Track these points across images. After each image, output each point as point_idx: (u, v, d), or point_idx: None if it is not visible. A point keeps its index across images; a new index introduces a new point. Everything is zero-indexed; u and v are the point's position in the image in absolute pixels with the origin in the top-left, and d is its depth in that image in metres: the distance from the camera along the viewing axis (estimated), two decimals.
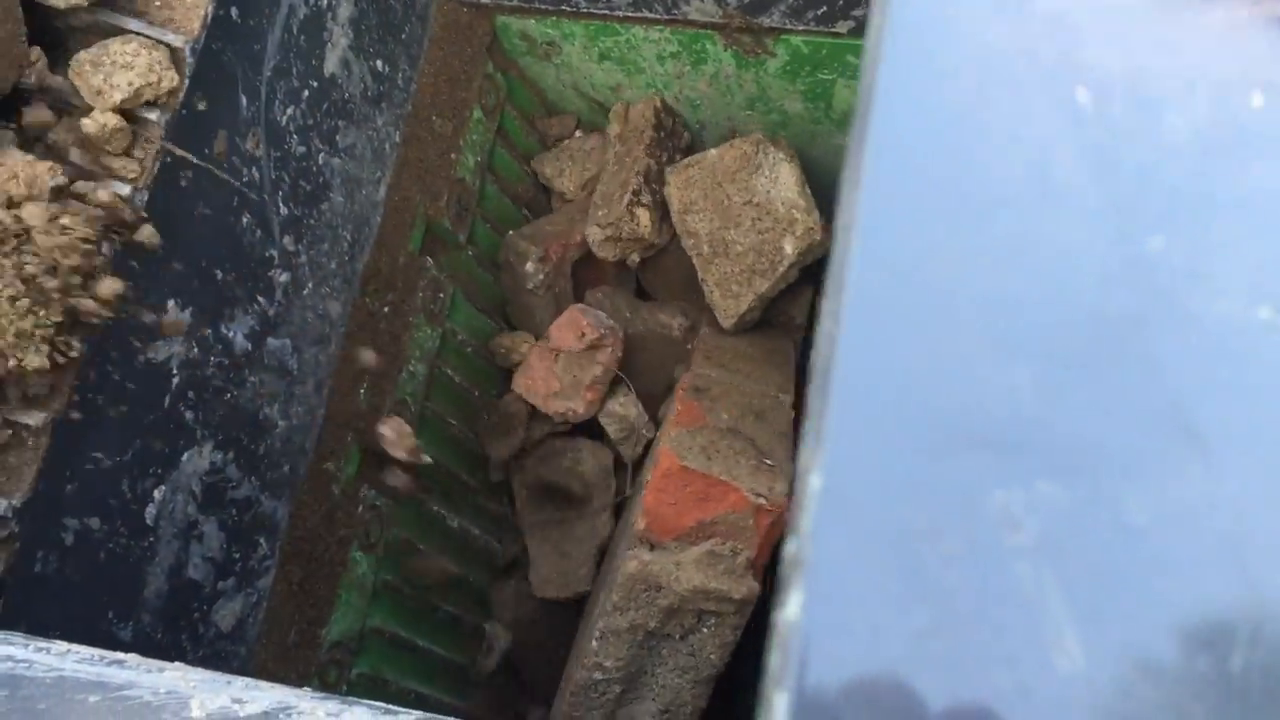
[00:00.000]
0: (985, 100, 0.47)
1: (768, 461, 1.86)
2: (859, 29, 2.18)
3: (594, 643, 1.90)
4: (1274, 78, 0.49)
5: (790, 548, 0.42)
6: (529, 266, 2.37)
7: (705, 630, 1.86)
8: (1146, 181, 0.47)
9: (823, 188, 2.48)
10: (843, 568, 0.41)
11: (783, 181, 2.26)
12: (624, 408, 2.31)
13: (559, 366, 2.26)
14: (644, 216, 2.34)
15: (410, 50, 2.14)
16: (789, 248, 2.24)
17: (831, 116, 2.35)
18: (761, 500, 1.78)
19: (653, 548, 1.84)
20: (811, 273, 2.35)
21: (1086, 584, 0.42)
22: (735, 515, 1.80)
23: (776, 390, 2.12)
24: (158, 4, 1.59)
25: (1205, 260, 0.46)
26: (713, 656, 1.87)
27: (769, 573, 1.85)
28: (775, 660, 0.40)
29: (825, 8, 2.12)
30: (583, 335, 2.21)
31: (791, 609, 0.40)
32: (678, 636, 1.87)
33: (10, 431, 1.41)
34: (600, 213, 2.37)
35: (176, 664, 1.08)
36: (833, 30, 2.17)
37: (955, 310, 0.44)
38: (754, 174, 2.26)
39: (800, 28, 2.19)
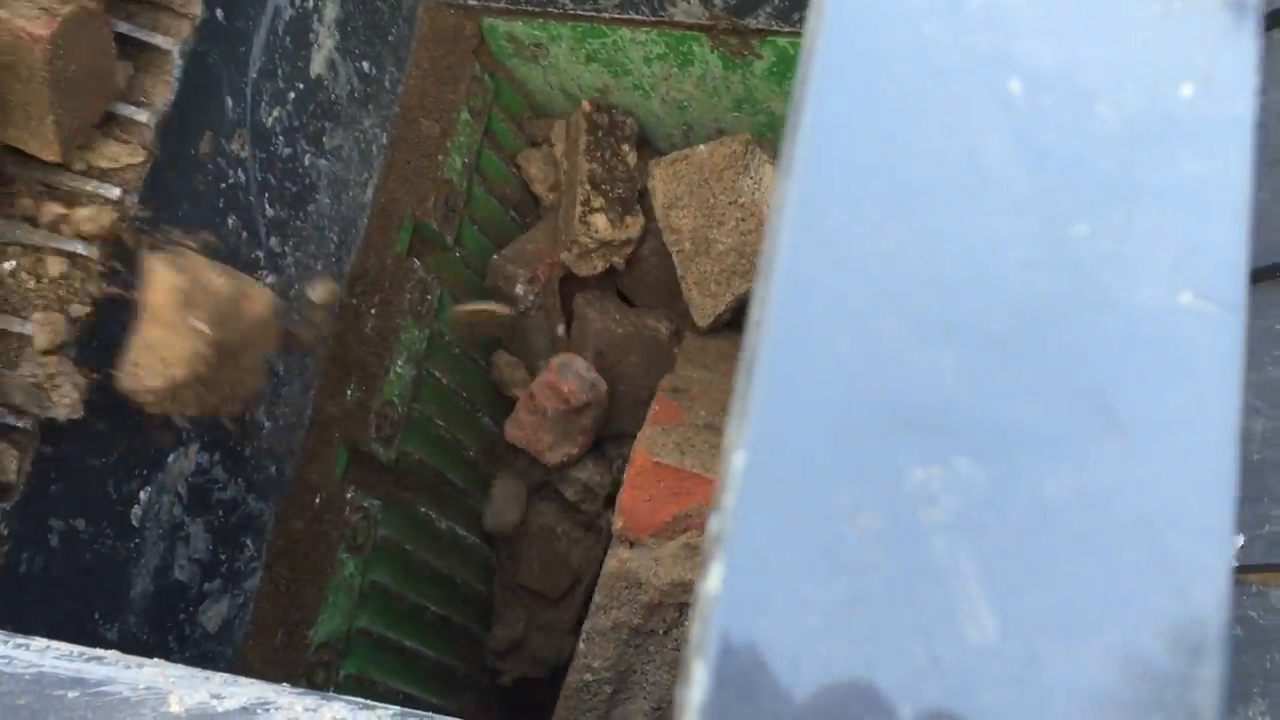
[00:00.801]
0: (919, 92, 0.48)
1: None
2: None
3: (581, 644, 1.93)
4: (1203, 68, 0.50)
5: (713, 524, 0.43)
6: (519, 289, 2.39)
7: (688, 623, 1.85)
8: (1075, 171, 0.48)
9: None
10: (763, 543, 0.42)
11: (767, 184, 2.28)
12: (588, 474, 2.34)
13: (548, 422, 2.28)
14: (598, 221, 2.36)
15: (397, 52, 2.15)
16: None
17: None
18: None
19: (632, 545, 1.86)
20: None
21: (1001, 559, 0.43)
22: (709, 506, 1.79)
23: None
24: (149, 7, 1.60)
25: (1129, 247, 0.47)
26: None
27: None
28: (695, 630, 0.41)
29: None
30: (566, 401, 2.24)
31: (712, 582, 0.41)
32: (662, 632, 1.89)
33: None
34: (564, 237, 2.41)
35: (155, 660, 1.09)
36: None
37: (882, 294, 0.45)
38: (741, 174, 2.28)
39: (787, 29, 2.20)
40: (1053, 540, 0.43)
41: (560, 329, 2.46)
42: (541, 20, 2.32)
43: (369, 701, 1.05)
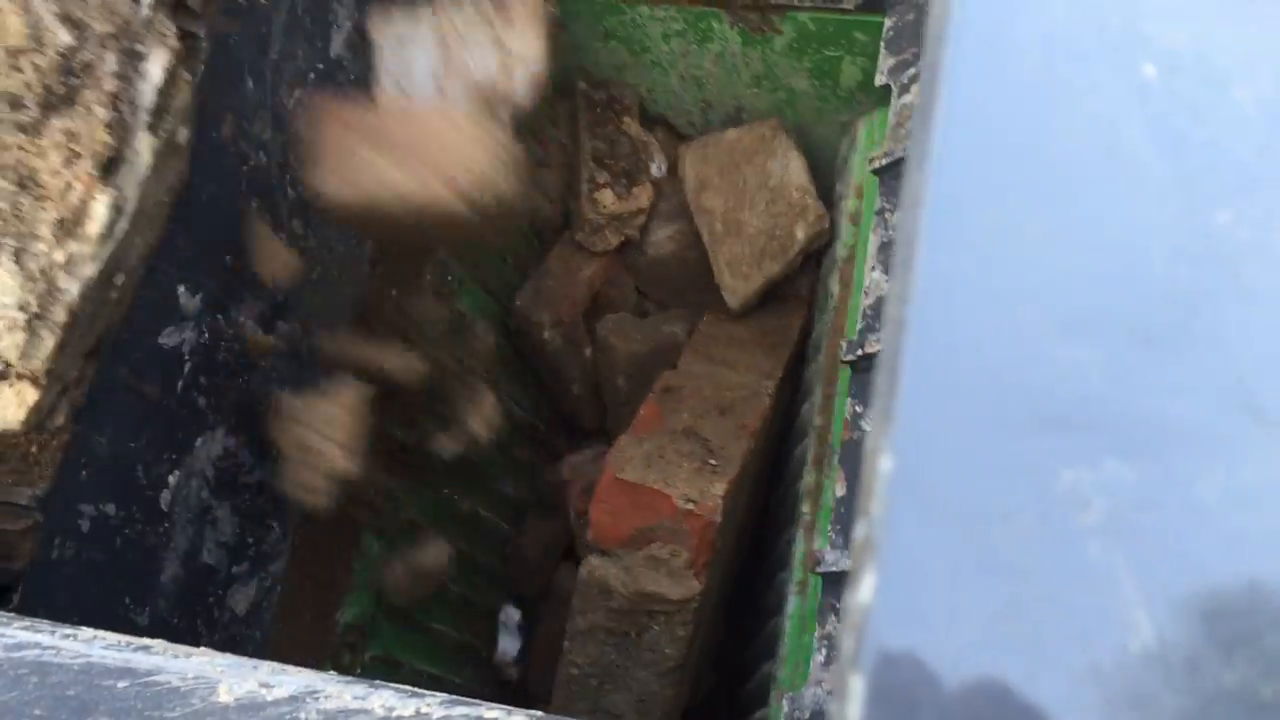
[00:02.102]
0: (1052, 77, 0.46)
1: (712, 462, 1.98)
2: (866, 5, 2.17)
3: (566, 643, 2.03)
4: None
5: (860, 531, 0.42)
6: (547, 335, 2.41)
7: (656, 628, 1.97)
8: (1213, 156, 0.47)
9: (827, 163, 2.48)
10: (914, 550, 0.41)
11: (793, 169, 2.29)
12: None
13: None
14: (605, 197, 2.36)
15: None
16: (800, 233, 2.27)
17: (838, 94, 2.34)
18: (690, 506, 1.90)
19: (603, 554, 1.95)
20: (811, 257, 2.37)
21: (1157, 563, 0.42)
22: (669, 521, 1.91)
23: (759, 377, 2.21)
24: None
25: (1272, 235, 0.46)
26: (669, 650, 1.98)
27: (712, 568, 1.98)
28: (849, 644, 0.40)
29: None
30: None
31: (864, 592, 0.40)
32: (634, 635, 1.98)
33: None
34: (573, 212, 2.42)
35: (203, 649, 1.09)
36: (839, 6, 2.16)
37: (1024, 288, 0.44)
38: (769, 158, 2.29)
39: (807, 5, 2.18)
40: (1205, 542, 0.42)
41: (588, 351, 2.48)
42: None
43: (417, 690, 1.05)
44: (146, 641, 1.08)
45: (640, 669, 2.01)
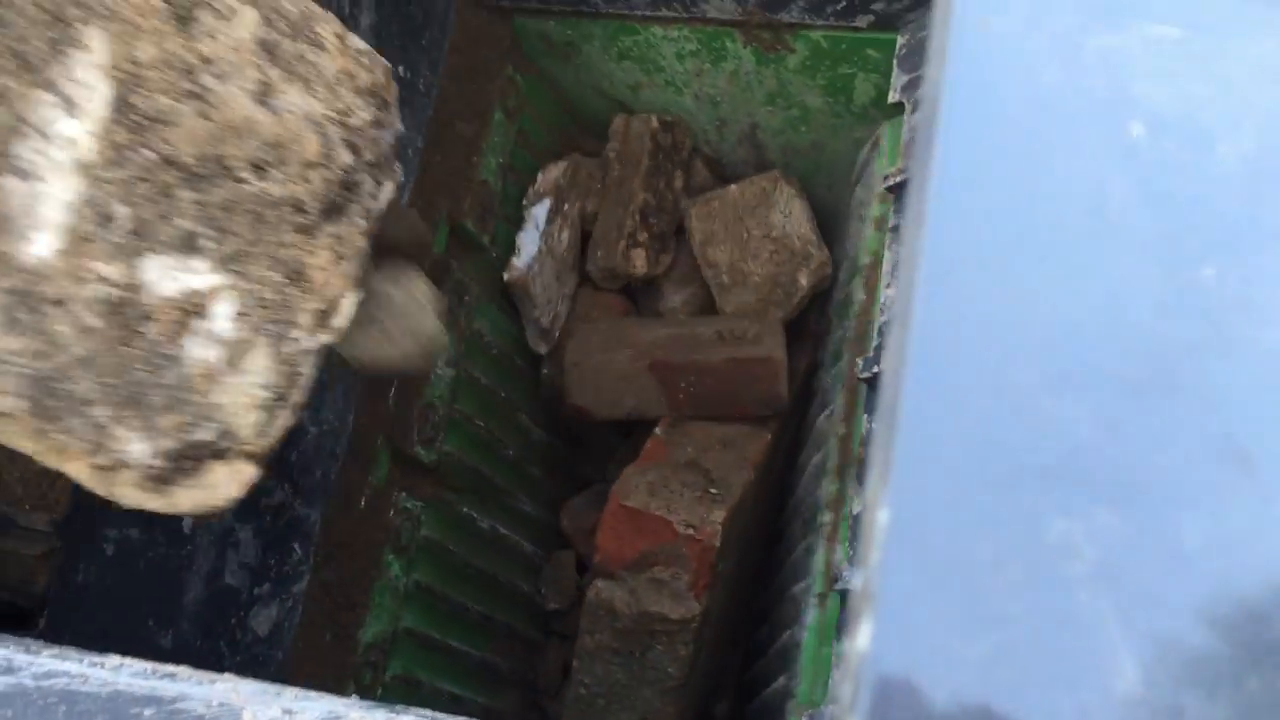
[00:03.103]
0: (1043, 141, 0.48)
1: (713, 491, 2.10)
2: (878, 23, 2.19)
3: (575, 662, 2.13)
4: None
5: (858, 580, 0.43)
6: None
7: (659, 648, 2.08)
8: (1199, 212, 0.48)
9: (843, 179, 2.49)
10: (910, 599, 0.42)
11: (795, 216, 2.37)
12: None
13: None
14: (639, 258, 2.42)
15: (431, 55, 2.16)
16: (804, 280, 2.37)
17: (852, 110, 2.36)
18: (691, 531, 2.03)
19: (609, 577, 2.07)
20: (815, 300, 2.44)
21: (1143, 609, 0.43)
22: (670, 545, 2.04)
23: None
24: None
25: (1256, 288, 0.47)
26: (671, 670, 2.09)
27: (713, 590, 2.10)
28: (847, 690, 0.41)
29: (844, 2, 2.12)
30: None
31: (862, 640, 0.41)
32: (638, 654, 2.09)
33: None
34: (599, 253, 2.46)
35: (226, 675, 1.10)
36: (852, 25, 2.18)
37: (1015, 344, 0.46)
38: (771, 209, 2.37)
39: (820, 23, 2.20)
40: (1192, 588, 0.44)
41: None
42: (574, 19, 2.32)
43: (439, 715, 1.06)
44: (171, 669, 1.10)
45: (645, 687, 2.10)
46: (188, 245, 1.15)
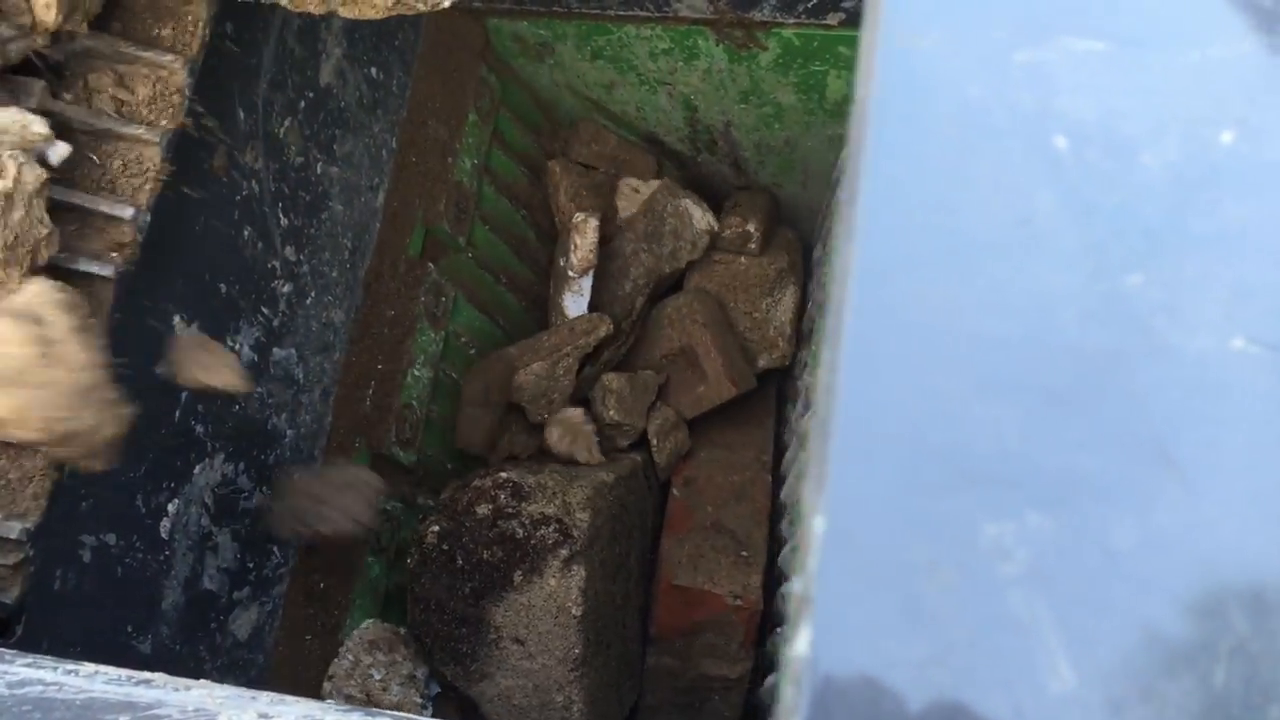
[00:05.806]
0: (969, 153, 0.49)
1: (744, 554, 2.33)
2: (849, 20, 2.20)
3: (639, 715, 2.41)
4: (1242, 114, 0.51)
5: (797, 586, 0.44)
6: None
7: (716, 699, 2.35)
8: (1123, 221, 0.49)
9: (816, 175, 2.51)
10: (847, 604, 0.44)
11: (784, 308, 2.52)
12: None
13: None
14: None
15: (404, 56, 2.16)
16: (761, 362, 2.53)
17: (825, 107, 2.38)
18: (738, 602, 2.27)
19: (666, 644, 2.34)
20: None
21: (1075, 609, 0.45)
22: (720, 615, 2.28)
23: (757, 453, 2.50)
24: (155, 26, 1.61)
25: (1181, 295, 0.49)
26: (728, 714, 2.37)
27: (760, 644, 2.33)
28: (788, 693, 0.42)
29: (815, 0, 2.14)
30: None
31: (801, 645, 0.43)
32: (698, 705, 2.37)
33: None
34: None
35: (203, 681, 1.11)
36: (823, 22, 2.19)
37: (946, 354, 0.47)
38: (764, 297, 2.53)
39: (791, 21, 2.21)
40: (1122, 587, 0.45)
41: None
42: (546, 19, 2.33)
43: (412, 717, 1.07)
44: (147, 675, 1.11)
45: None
46: None
